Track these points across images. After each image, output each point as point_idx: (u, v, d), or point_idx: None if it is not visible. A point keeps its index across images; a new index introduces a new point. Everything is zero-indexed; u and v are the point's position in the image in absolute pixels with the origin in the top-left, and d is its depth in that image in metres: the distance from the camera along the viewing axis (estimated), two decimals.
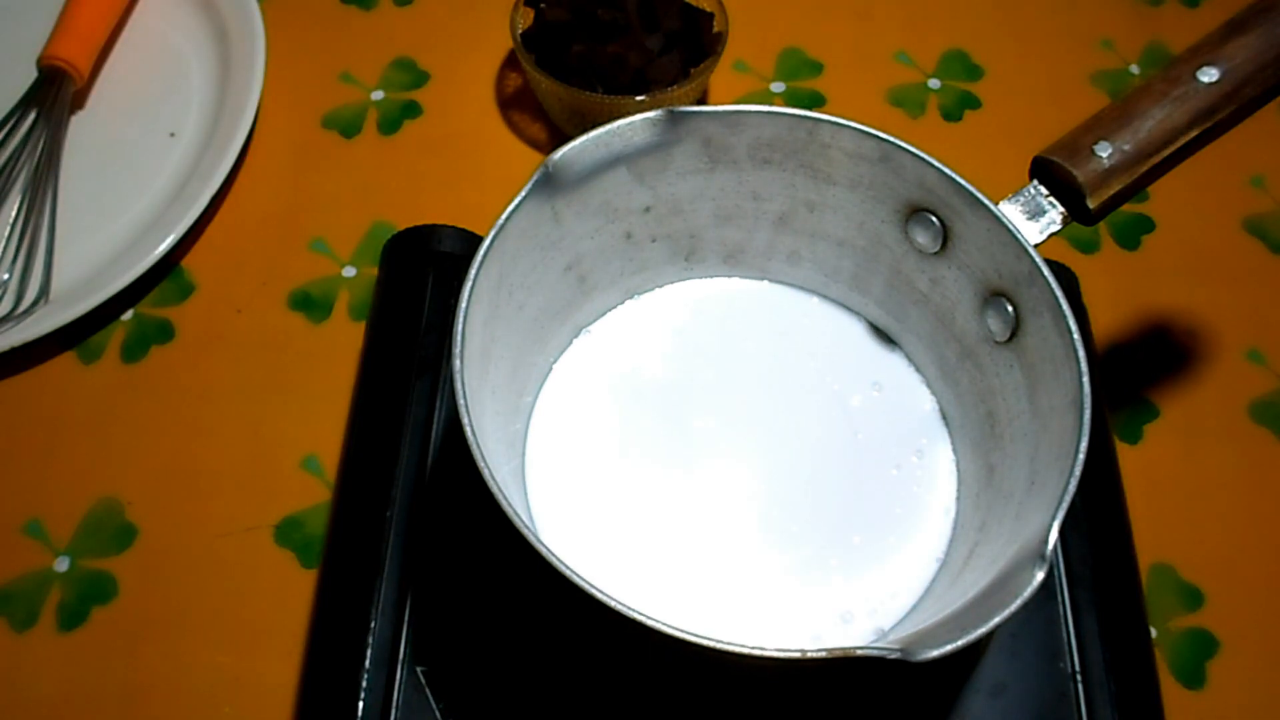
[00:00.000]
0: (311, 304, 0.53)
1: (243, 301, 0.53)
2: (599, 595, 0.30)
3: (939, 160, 0.40)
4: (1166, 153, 0.39)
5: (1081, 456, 0.33)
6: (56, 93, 0.56)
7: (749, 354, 0.47)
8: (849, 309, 0.48)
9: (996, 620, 0.30)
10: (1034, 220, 0.39)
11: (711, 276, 0.49)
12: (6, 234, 0.53)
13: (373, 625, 0.41)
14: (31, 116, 0.56)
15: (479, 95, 0.61)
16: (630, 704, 0.40)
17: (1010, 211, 0.39)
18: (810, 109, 0.41)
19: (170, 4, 0.63)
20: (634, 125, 0.40)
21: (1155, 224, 0.56)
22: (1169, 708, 0.41)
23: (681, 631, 0.29)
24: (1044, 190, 0.39)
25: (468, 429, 0.34)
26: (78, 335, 0.52)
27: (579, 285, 0.45)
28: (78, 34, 0.58)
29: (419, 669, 0.40)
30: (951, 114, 0.60)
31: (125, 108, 0.59)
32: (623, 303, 0.48)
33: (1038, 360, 0.38)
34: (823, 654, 0.30)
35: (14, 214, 0.53)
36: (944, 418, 0.45)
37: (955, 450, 0.44)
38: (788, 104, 0.60)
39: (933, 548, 0.42)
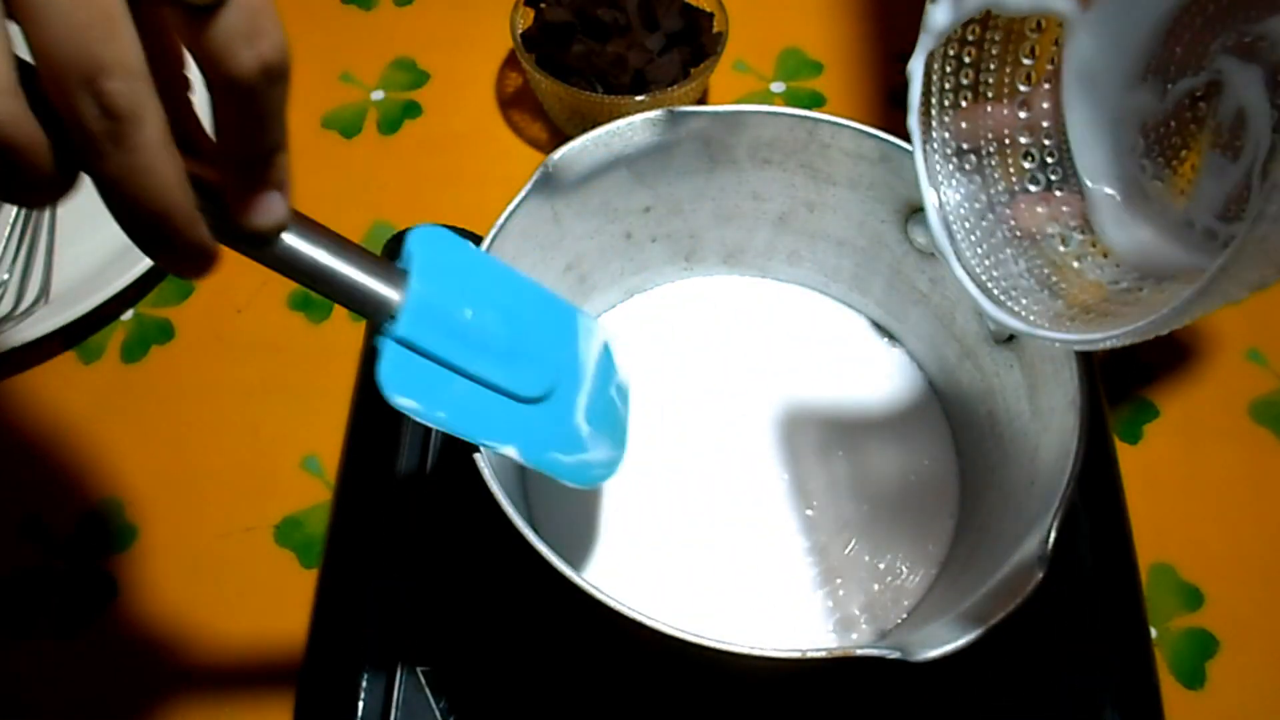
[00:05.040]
0: (311, 304, 0.53)
1: (243, 301, 0.53)
2: (599, 595, 0.30)
3: None
4: None
5: (1080, 456, 0.33)
6: None
7: (749, 353, 0.47)
8: (850, 307, 0.48)
9: (996, 620, 0.30)
10: None
11: (711, 275, 0.49)
12: (6, 234, 0.53)
13: (373, 625, 0.41)
14: None
15: (479, 95, 0.61)
16: (630, 704, 0.40)
17: None
18: (810, 109, 0.41)
19: None
20: (634, 125, 0.40)
21: None
22: (1169, 708, 0.41)
23: (681, 631, 0.29)
24: None
25: None
26: (78, 335, 0.52)
27: (579, 285, 0.45)
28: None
29: (419, 669, 0.40)
30: None
31: None
32: (623, 302, 0.48)
33: (1038, 360, 0.38)
34: (823, 654, 0.30)
35: (14, 214, 0.53)
36: (944, 417, 0.45)
37: (956, 450, 0.44)
38: (788, 104, 0.60)
39: (933, 548, 0.42)
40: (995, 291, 0.35)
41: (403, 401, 0.29)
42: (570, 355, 0.35)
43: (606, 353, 0.37)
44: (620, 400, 0.38)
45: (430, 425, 0.31)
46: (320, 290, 0.28)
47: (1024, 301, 0.34)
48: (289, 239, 0.27)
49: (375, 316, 0.29)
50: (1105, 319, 0.31)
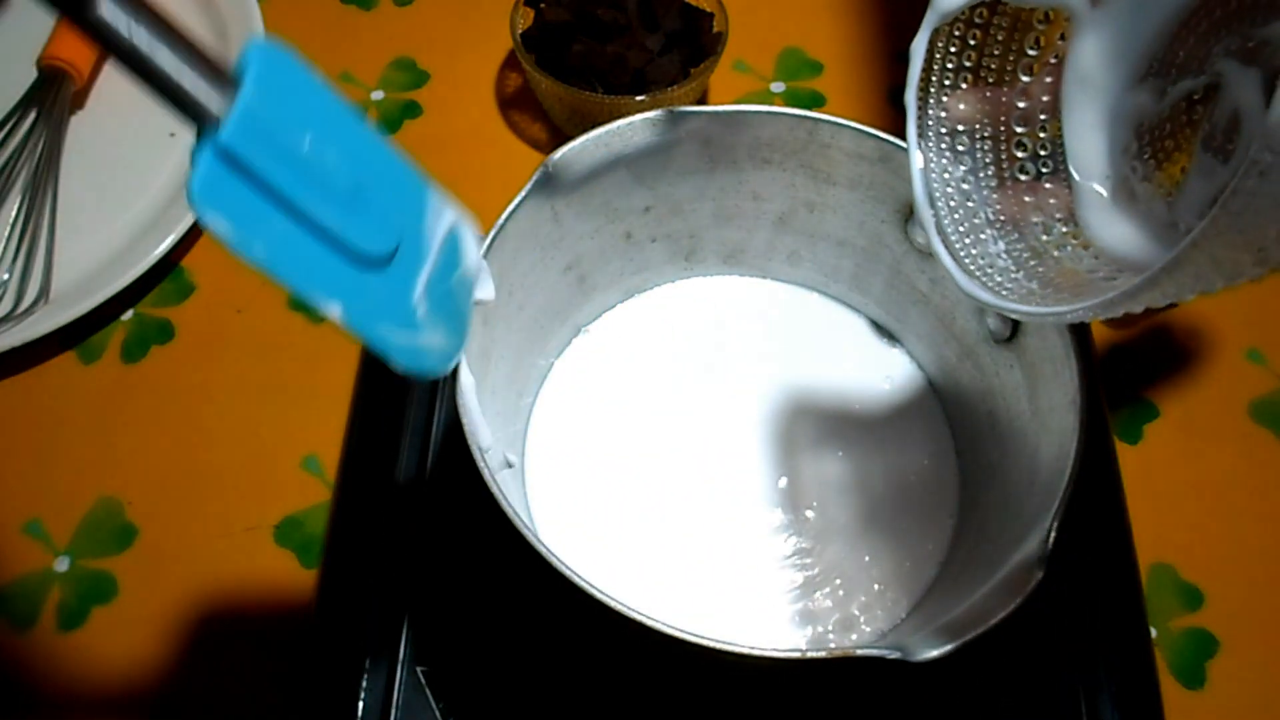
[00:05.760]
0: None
1: (243, 301, 0.53)
2: (599, 595, 0.30)
3: None
4: None
5: (1080, 456, 0.33)
6: (56, 93, 0.56)
7: (749, 353, 0.47)
8: (850, 307, 0.48)
9: (996, 620, 0.30)
10: None
11: (711, 275, 0.49)
12: (6, 234, 0.53)
13: (373, 625, 0.41)
14: (31, 116, 0.56)
15: (479, 95, 0.61)
16: (630, 704, 0.40)
17: None
18: (810, 109, 0.41)
19: (170, 4, 0.62)
20: (634, 125, 0.40)
21: None
22: (1169, 708, 0.41)
23: (681, 631, 0.30)
24: None
25: (468, 429, 0.34)
26: (78, 335, 0.52)
27: (579, 285, 0.45)
28: (78, 34, 0.58)
29: (419, 669, 0.40)
30: None
31: (125, 108, 0.59)
32: (622, 302, 0.48)
33: (1038, 360, 0.38)
34: (822, 654, 0.30)
35: (14, 214, 0.53)
36: (944, 417, 0.45)
37: (956, 450, 0.44)
38: (788, 104, 0.60)
39: (933, 548, 0.42)
40: (971, 266, 0.35)
41: (215, 220, 0.26)
42: (415, 227, 0.33)
43: (454, 238, 0.35)
44: (462, 293, 0.35)
45: (247, 261, 0.27)
46: (139, 75, 0.25)
47: (998, 279, 0.34)
48: (111, 6, 0.24)
49: (199, 119, 0.26)
50: (1077, 298, 0.31)
